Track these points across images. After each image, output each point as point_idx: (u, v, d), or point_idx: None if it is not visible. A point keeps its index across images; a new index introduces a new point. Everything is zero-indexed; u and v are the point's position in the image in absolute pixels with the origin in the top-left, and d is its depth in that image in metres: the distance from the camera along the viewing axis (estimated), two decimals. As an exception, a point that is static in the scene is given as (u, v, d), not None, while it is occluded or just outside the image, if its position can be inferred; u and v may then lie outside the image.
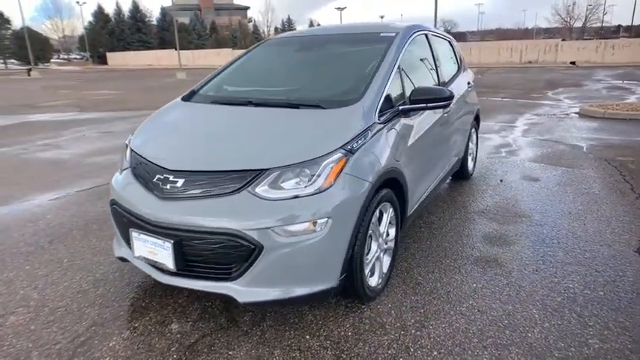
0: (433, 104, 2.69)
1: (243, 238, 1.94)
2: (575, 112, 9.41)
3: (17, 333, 2.24)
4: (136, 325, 2.30)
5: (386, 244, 2.55)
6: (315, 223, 1.98)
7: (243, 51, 3.65)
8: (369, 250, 2.37)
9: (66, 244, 3.30)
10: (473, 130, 4.68)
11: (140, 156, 2.37)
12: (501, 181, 4.71)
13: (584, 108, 9.36)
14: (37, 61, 47.90)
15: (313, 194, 2.00)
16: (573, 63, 30.05)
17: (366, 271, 2.32)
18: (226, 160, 2.12)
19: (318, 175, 2.03)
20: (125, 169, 2.46)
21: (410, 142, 2.73)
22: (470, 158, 4.72)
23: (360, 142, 2.24)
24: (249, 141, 2.23)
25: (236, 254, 1.98)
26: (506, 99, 12.31)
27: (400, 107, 2.67)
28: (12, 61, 54.43)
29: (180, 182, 2.09)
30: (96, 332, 2.24)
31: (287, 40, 3.63)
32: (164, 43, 58.75)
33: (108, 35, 58.61)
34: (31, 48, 39.89)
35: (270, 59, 3.42)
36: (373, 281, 2.43)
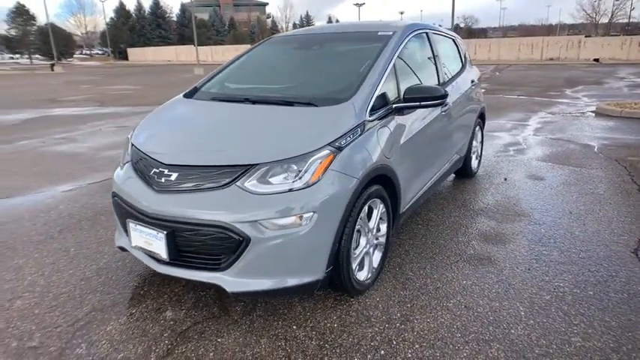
0: (427, 102, 2.72)
1: (232, 230, 2.02)
2: (592, 111, 9.24)
3: (22, 316, 2.38)
4: (133, 311, 2.41)
5: (376, 239, 2.60)
6: (301, 217, 2.05)
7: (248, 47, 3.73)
8: (358, 244, 2.43)
9: (74, 233, 3.44)
10: (477, 128, 4.67)
11: (139, 150, 2.47)
12: (505, 179, 4.69)
13: (601, 106, 9.18)
14: (61, 56, 49.13)
15: (300, 189, 2.07)
16: (597, 60, 29.32)
17: (354, 265, 2.38)
18: (217, 155, 2.20)
19: (305, 171, 2.10)
20: (126, 163, 2.57)
21: (403, 140, 2.77)
22: (474, 157, 4.71)
23: (349, 139, 2.29)
24: (241, 137, 2.31)
25: (225, 246, 2.06)
26: (522, 97, 12.13)
27: (394, 105, 2.71)
28: (37, 56, 55.91)
29: (174, 176, 2.18)
30: (95, 317, 2.36)
31: (288, 38, 3.70)
32: (183, 39, 59.54)
33: (129, 31, 59.70)
34: (54, 44, 40.93)
35: (271, 57, 3.49)
36: (362, 275, 2.49)
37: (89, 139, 7.24)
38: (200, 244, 2.11)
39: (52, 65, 34.61)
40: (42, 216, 3.82)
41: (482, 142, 5.07)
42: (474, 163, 4.77)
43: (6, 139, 7.34)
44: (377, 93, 2.60)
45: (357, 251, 2.41)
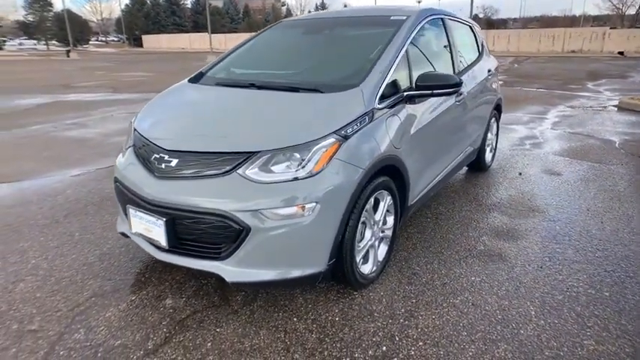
0: (439, 91, 2.61)
1: (231, 219, 1.96)
2: (614, 105, 8.95)
3: (24, 299, 2.37)
4: (133, 298, 2.38)
5: (382, 232, 2.52)
6: (303, 208, 1.98)
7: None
8: (363, 237, 2.35)
9: (80, 218, 3.43)
10: (493, 120, 4.52)
11: (142, 135, 2.42)
12: (520, 174, 4.55)
13: (624, 101, 8.88)
14: (77, 42, 49.58)
15: (303, 179, 1.99)
16: (621, 53, 28.44)
17: (358, 258, 2.31)
18: (218, 141, 2.13)
19: (309, 160, 2.02)
20: (129, 148, 2.52)
21: (414, 130, 2.67)
22: (488, 149, 4.58)
23: (356, 127, 2.20)
24: (244, 123, 2.23)
25: (225, 235, 2.01)
26: (541, 90, 11.82)
27: (405, 93, 2.61)
28: (53, 42, 56.51)
29: (174, 162, 2.12)
30: (95, 303, 2.33)
31: (297, 22, 3.60)
32: (198, 27, 59.52)
33: (144, 18, 59.88)
34: (70, 30, 41.29)
35: (278, 42, 3.40)
36: (366, 268, 2.42)
37: (100, 125, 7.26)
38: (200, 233, 2.05)
39: (68, 51, 34.92)
40: (49, 200, 3.82)
41: (497, 134, 4.92)
42: (488, 156, 4.63)
43: (19, 124, 7.40)
44: (387, 80, 2.50)
45: (362, 244, 2.34)
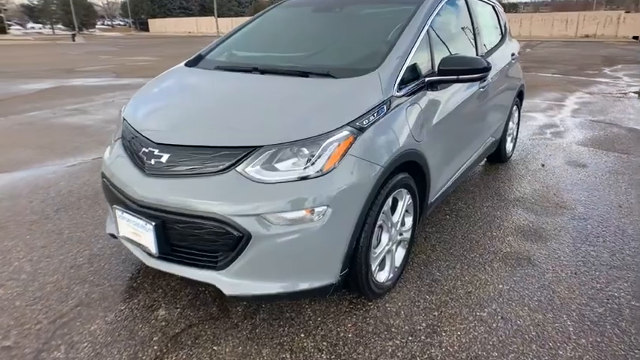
0: (466, 76, 2.31)
1: (229, 224, 1.70)
2: (635, 92, 8.53)
3: (1, 309, 2.14)
4: (123, 307, 2.14)
5: (400, 235, 2.25)
6: (312, 212, 1.71)
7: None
8: (379, 242, 2.09)
9: (71, 213, 3.20)
10: (514, 107, 4.21)
11: (130, 126, 2.15)
12: (543, 165, 4.24)
13: (646, 87, 8.45)
14: (82, 26, 49.12)
15: (312, 178, 1.72)
16: (636, 38, 27.58)
17: (374, 266, 2.05)
18: (215, 134, 1.86)
19: (319, 156, 1.74)
20: (117, 140, 2.26)
21: (436, 120, 2.38)
22: (509, 139, 4.27)
23: (372, 118, 1.92)
24: (245, 113, 1.96)
25: (222, 242, 1.75)
26: (557, 75, 11.37)
27: (427, 79, 2.31)
28: (59, 26, 56.07)
29: (164, 157, 1.86)
30: (80, 313, 2.10)
31: (306, 0, 3.27)
32: (204, 11, 58.76)
33: (150, 2, 59.15)
34: (75, 14, 40.84)
35: (285, 21, 3.09)
36: (382, 276, 2.16)
37: (101, 111, 7.00)
38: (194, 239, 1.80)
39: (73, 36, 34.56)
40: (40, 193, 3.59)
41: (518, 123, 4.60)
42: (509, 146, 4.32)
43: (18, 110, 7.17)
44: (407, 63, 2.20)
45: (378, 250, 2.07)
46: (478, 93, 2.96)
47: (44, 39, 39.18)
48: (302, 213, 1.70)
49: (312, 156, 1.74)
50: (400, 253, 2.31)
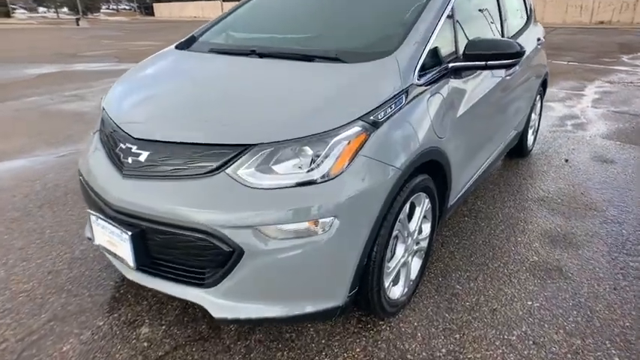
0: (496, 62, 2.00)
1: (217, 237, 1.43)
2: (658, 81, 8.10)
3: (-34, 322, 1.90)
4: (101, 323, 1.89)
5: (417, 244, 1.97)
6: (316, 223, 1.43)
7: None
8: (393, 254, 1.81)
9: (55, 210, 2.95)
10: (538, 97, 3.87)
11: (109, 117, 1.88)
12: (566, 160, 3.92)
13: (670, 76, 8.02)
14: (87, 10, 48.64)
15: (317, 183, 1.44)
16: (653, 24, 26.67)
17: (387, 282, 1.78)
18: (202, 129, 1.58)
19: (326, 157, 1.46)
20: (96, 133, 1.99)
21: (460, 113, 2.08)
22: (530, 132, 3.94)
23: (389, 110, 1.63)
24: (237, 104, 1.67)
25: (209, 257, 1.48)
26: (573, 63, 10.90)
27: (450, 65, 2.01)
28: (64, 10, 55.57)
29: (143, 155, 1.58)
30: (52, 330, 1.85)
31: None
32: (210, -5, 57.85)
33: (155, -15, 58.29)
34: (80, -3, 40.30)
35: None
36: (396, 292, 1.89)
37: (99, 98, 6.71)
38: (176, 252, 1.54)
39: (77, 20, 34.09)
40: (25, 186, 3.34)
41: (540, 114, 4.27)
42: (530, 139, 4.00)
43: (15, 95, 6.92)
44: (428, 47, 1.90)
45: (392, 264, 1.80)
46: (504, 82, 2.65)
47: (48, 23, 38.76)
48: (304, 225, 1.43)
49: (317, 157, 1.46)
50: (416, 264, 2.03)
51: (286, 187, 1.43)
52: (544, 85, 4.00)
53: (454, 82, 2.07)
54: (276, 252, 1.43)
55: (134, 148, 1.61)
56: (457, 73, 2.07)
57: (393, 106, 1.64)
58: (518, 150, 3.81)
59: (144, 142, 1.61)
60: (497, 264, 2.33)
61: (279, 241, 1.43)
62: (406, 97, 1.72)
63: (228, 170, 1.46)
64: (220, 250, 1.44)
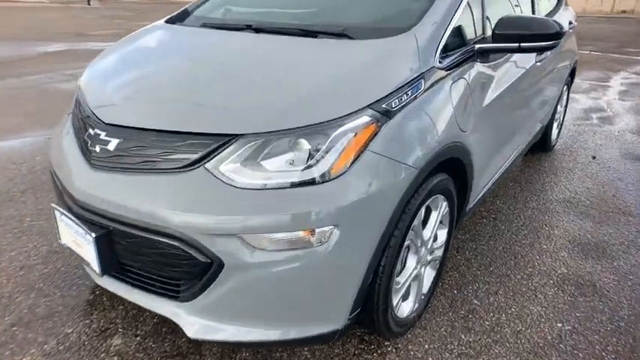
0: (532, 44, 1.71)
1: (192, 245, 1.19)
2: (688, 74, 7.65)
3: None
4: (69, 331, 1.68)
5: (431, 253, 1.71)
6: (312, 233, 1.18)
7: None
8: (404, 266, 1.56)
9: (39, 196, 2.73)
10: (565, 87, 3.55)
11: (84, 97, 1.63)
12: (594, 157, 3.61)
13: (702, 69, 7.55)
14: (99, -11, 48.14)
15: (314, 184, 1.18)
16: (679, 15, 25.66)
17: (396, 300, 1.52)
18: (180, 114, 1.32)
19: (326, 152, 1.20)
20: (69, 115, 1.75)
21: (486, 102, 1.80)
22: (555, 125, 3.63)
23: (405, 98, 1.35)
24: (225, 86, 1.41)
25: (183, 268, 1.24)
26: (595, 53, 10.40)
27: (477, 46, 1.72)
28: (76, -11, 55.20)
29: (113, 144, 1.33)
30: (14, 337, 1.64)
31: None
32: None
33: (168, -35, 57.71)
34: (92, -25, 39.89)
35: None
36: (405, 309, 1.64)
37: (100, 77, 6.49)
38: (146, 260, 1.30)
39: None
40: (11, 169, 3.13)
41: (566, 106, 3.95)
42: (554, 133, 3.69)
43: (15, 73, 6.72)
44: (452, 24, 1.61)
45: (402, 278, 1.54)
46: (534, 68, 2.35)
47: (59, 2, 38.50)
48: (298, 235, 1.17)
49: (316, 151, 1.20)
50: (429, 275, 1.77)
51: (277, 188, 1.18)
52: (572, 74, 3.66)
53: (480, 67, 1.78)
54: (263, 266, 1.19)
55: (103, 135, 1.37)
56: (484, 55, 1.79)
57: (409, 92, 1.37)
58: (541, 144, 3.50)
59: (114, 128, 1.36)
60: (520, 275, 2.06)
61: (266, 252, 1.18)
62: (426, 84, 1.45)
63: (208, 165, 1.20)
64: (196, 261, 1.20)
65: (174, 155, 1.24)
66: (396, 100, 1.32)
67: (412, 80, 1.39)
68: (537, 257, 2.21)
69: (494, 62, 1.88)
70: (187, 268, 1.23)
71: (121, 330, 1.69)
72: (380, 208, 1.25)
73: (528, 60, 2.26)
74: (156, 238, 1.22)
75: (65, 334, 1.66)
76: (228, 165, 1.19)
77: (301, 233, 1.17)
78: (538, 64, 2.38)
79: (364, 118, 1.25)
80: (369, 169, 1.22)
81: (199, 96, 1.37)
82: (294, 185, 1.18)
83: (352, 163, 1.21)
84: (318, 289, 1.25)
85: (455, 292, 1.94)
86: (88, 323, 1.72)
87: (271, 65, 1.48)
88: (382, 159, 1.25)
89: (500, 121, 2.04)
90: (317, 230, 1.17)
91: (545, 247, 2.31)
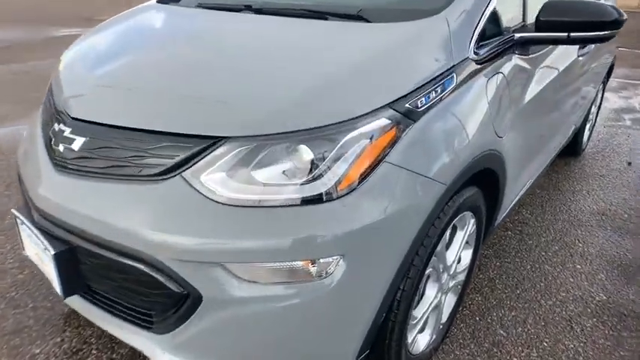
0: (583, 34, 1.43)
1: (163, 272, 0.96)
2: None
3: None
4: (37, 351, 1.48)
5: (454, 278, 1.47)
6: (313, 263, 0.94)
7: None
8: (422, 297, 1.31)
9: (25, 190, 2.53)
10: (600, 86, 3.24)
11: (57, 83, 1.41)
12: (629, 164, 3.30)
13: None
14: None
15: (317, 202, 0.94)
16: None
17: (411, 337, 1.28)
18: (157, 110, 1.08)
19: (333, 162, 0.96)
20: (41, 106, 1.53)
21: (524, 102, 1.53)
22: (587, 126, 3.33)
23: (433, 96, 1.10)
24: (215, 77, 1.16)
25: (154, 299, 1.02)
26: (623, 49, 9.88)
27: (517, 35, 1.45)
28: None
29: (78, 142, 1.11)
30: (-28, 357, 1.44)
31: None
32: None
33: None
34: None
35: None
36: (421, 343, 1.40)
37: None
38: (114, 285, 1.08)
39: (104, -17, 33.68)
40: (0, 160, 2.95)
41: (599, 106, 3.63)
42: (586, 135, 3.39)
43: (20, 58, 6.58)
44: (490, 7, 1.35)
45: (420, 311, 1.30)
46: (575, 63, 2.07)
47: (76, -14, 38.46)
48: (296, 265, 0.94)
49: (321, 161, 0.96)
50: (450, 302, 1.53)
51: (270, 206, 0.94)
52: (610, 71, 3.35)
53: (518, 60, 1.51)
54: (251, 302, 0.96)
55: (67, 132, 1.14)
56: (524, 46, 1.52)
57: (438, 89, 1.12)
58: (571, 148, 3.20)
59: (81, 124, 1.14)
60: (552, 301, 1.81)
61: (255, 286, 0.95)
62: (458, 78, 1.19)
63: (186, 173, 0.97)
64: (169, 291, 0.98)
65: (146, 160, 1.01)
66: (422, 99, 1.07)
67: (442, 74, 1.14)
68: (571, 279, 1.95)
69: (533, 55, 1.61)
70: (159, 299, 1.01)
71: (95, 352, 1.48)
72: (399, 234, 1.01)
73: (570, 54, 1.98)
74: (122, 260, 1.00)
75: (32, 354, 1.46)
76: (211, 175, 0.96)
77: (300, 263, 0.94)
78: (580, 58, 2.10)
79: (382, 121, 1.00)
80: (387, 186, 0.98)
81: (182, 88, 1.13)
82: (291, 203, 0.94)
83: (366, 177, 0.96)
84: (319, 331, 1.02)
85: (477, 318, 1.70)
86: (59, 342, 1.51)
87: (271, 53, 1.23)
88: (403, 172, 1.00)
89: (537, 123, 1.77)
90: (320, 261, 0.94)
91: (579, 267, 2.05)
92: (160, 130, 1.01)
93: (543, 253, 2.14)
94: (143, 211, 0.98)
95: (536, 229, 2.36)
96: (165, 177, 0.98)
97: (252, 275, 0.95)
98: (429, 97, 1.08)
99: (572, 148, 3.23)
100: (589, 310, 1.76)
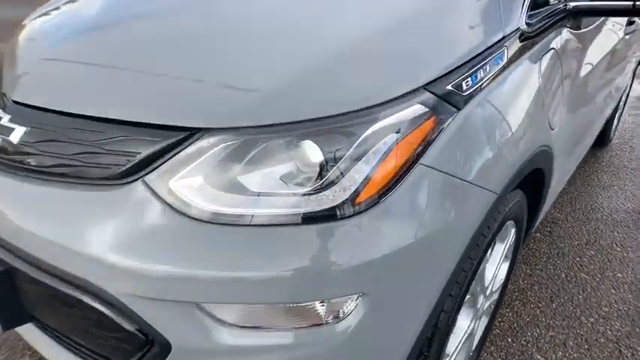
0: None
1: (119, 310, 0.71)
2: None
3: None
4: (-10, 381, 1.24)
5: (489, 299, 1.21)
6: (322, 304, 0.69)
7: None
8: (453, 327, 1.06)
9: None
10: (633, 70, 2.95)
11: (10, 59, 1.14)
12: (660, 156, 3.03)
13: None
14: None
15: (328, 219, 0.68)
16: None
17: (441, 377, 1.04)
18: (115, 92, 0.81)
19: (351, 163, 0.69)
20: None
21: (576, 84, 1.27)
22: (616, 115, 3.05)
23: (481, 76, 0.83)
24: (194, 49, 0.88)
25: (110, 342, 0.77)
26: (639, 34, 9.54)
27: (571, 4, 1.18)
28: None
29: (17, 133, 0.85)
30: None
31: None
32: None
33: None
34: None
35: None
36: (449, 376, 1.16)
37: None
38: (62, 320, 0.83)
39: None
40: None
41: (628, 94, 3.34)
42: (614, 124, 3.12)
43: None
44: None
45: (452, 347, 1.05)
46: (622, 42, 1.79)
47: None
48: (298, 307, 0.69)
49: (333, 161, 0.69)
50: (482, 326, 1.28)
51: (264, 225, 0.68)
52: (642, 55, 3.05)
53: (569, 34, 1.24)
54: (237, 354, 0.71)
55: (6, 119, 0.88)
56: (576, 18, 1.25)
57: (487, 67, 0.85)
58: (599, 138, 2.92)
59: (22, 110, 0.88)
60: (594, 318, 1.56)
61: (243, 333, 0.70)
62: (507, 52, 0.92)
63: (150, 177, 0.71)
64: (127, 334, 0.73)
65: (99, 158, 0.75)
66: (469, 79, 0.80)
67: (490, 48, 0.87)
68: (613, 291, 1.71)
69: (585, 29, 1.34)
70: (115, 343, 0.76)
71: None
72: (436, 261, 0.76)
73: (617, 31, 1.70)
74: (69, 291, 0.75)
75: (-18, 385, 1.23)
76: (184, 179, 0.70)
77: (305, 305, 0.69)
78: (627, 37, 1.82)
79: (416, 108, 0.74)
80: (422, 198, 0.72)
81: (149, 65, 0.85)
82: (289, 221, 0.68)
83: (394, 184, 0.70)
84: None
85: (509, 340, 1.45)
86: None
87: (268, 19, 0.95)
88: (443, 178, 0.74)
89: (583, 111, 1.50)
90: (332, 301, 0.68)
91: (620, 275, 1.80)
92: (117, 118, 0.75)
93: (578, 259, 1.89)
94: (91, 228, 0.72)
95: (568, 230, 2.10)
96: (121, 182, 0.72)
97: (238, 318, 0.70)
98: (476, 77, 0.82)
99: (600, 138, 2.95)
100: (638, 330, 1.52)
